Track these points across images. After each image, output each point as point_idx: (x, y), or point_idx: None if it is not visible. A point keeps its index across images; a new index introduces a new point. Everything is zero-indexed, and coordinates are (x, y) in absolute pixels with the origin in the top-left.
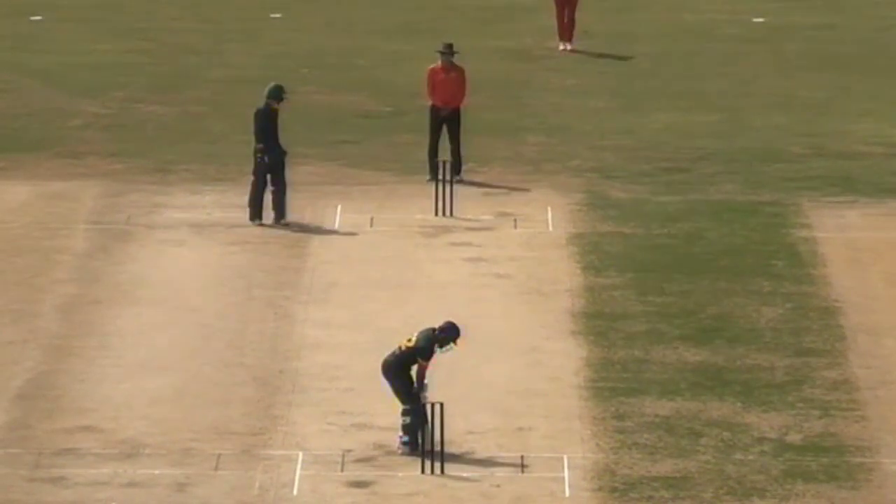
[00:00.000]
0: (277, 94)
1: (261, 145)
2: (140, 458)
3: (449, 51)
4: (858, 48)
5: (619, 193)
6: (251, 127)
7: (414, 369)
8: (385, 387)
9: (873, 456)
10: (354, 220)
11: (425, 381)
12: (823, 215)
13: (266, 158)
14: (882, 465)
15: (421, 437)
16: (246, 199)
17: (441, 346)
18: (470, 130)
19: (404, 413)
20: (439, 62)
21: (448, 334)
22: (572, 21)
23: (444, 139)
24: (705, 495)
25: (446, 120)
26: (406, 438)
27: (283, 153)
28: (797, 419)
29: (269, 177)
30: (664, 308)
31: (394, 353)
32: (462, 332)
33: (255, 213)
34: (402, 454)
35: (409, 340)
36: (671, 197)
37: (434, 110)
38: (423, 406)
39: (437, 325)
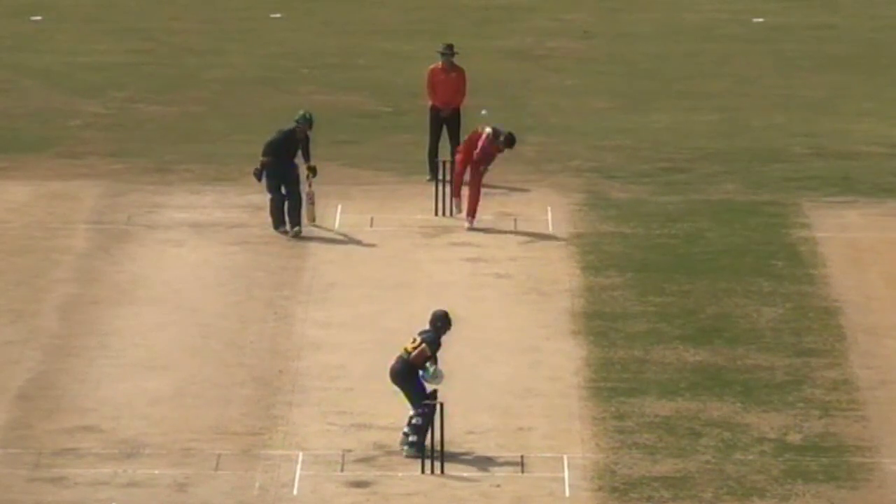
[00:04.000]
0: (309, 120)
1: (266, 158)
2: (140, 458)
3: (449, 51)
4: (858, 48)
5: (619, 193)
6: (251, 127)
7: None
8: (385, 387)
9: (873, 456)
10: (354, 220)
11: (434, 366)
12: (823, 215)
13: (266, 172)
14: (882, 465)
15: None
16: (246, 199)
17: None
18: (470, 131)
19: (417, 414)
20: (439, 62)
21: (444, 324)
22: (476, 193)
23: (444, 139)
24: (705, 495)
25: (446, 120)
26: (413, 438)
27: (296, 167)
28: (797, 419)
29: (283, 188)
30: (664, 308)
31: (400, 358)
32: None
33: (279, 220)
34: (406, 456)
35: (414, 341)
36: (671, 197)
37: (434, 110)
38: (434, 406)
39: (430, 323)
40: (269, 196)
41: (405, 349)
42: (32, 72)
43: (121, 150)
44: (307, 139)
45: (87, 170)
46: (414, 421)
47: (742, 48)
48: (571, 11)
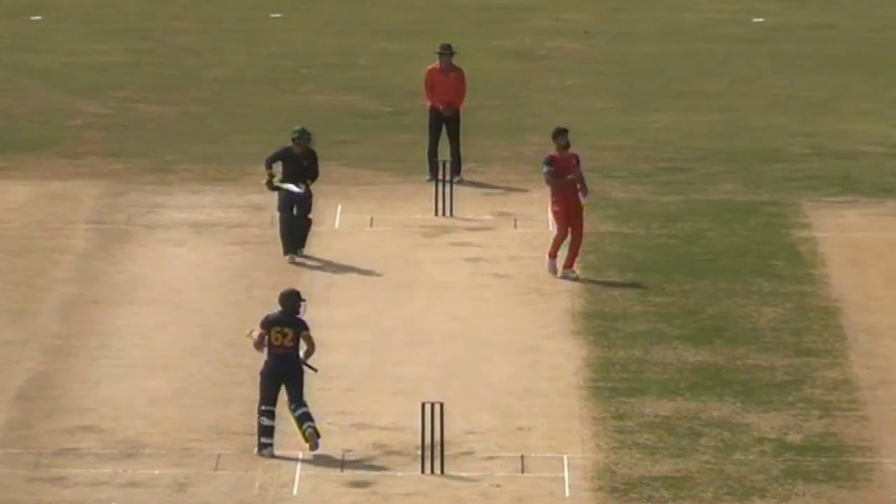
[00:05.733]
0: (307, 134)
1: (270, 172)
2: (140, 458)
3: (448, 51)
4: (858, 48)
5: (619, 193)
6: (251, 127)
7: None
8: (385, 387)
9: (873, 456)
10: (354, 220)
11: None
12: (823, 215)
13: (295, 188)
14: (882, 465)
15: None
16: (246, 199)
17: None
18: (470, 131)
19: (301, 407)
20: (438, 63)
21: (294, 301)
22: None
23: (444, 139)
24: (705, 495)
25: (446, 121)
26: (314, 424)
27: (309, 192)
28: (797, 419)
29: (295, 208)
30: (664, 308)
31: (288, 354)
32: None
33: (289, 245)
34: (314, 446)
35: (284, 335)
36: (671, 197)
37: (433, 111)
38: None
39: (289, 303)
40: (278, 215)
41: (280, 345)
42: (32, 72)
43: (121, 150)
44: (314, 156)
45: (87, 170)
46: (308, 410)
47: (742, 48)
48: (571, 11)
